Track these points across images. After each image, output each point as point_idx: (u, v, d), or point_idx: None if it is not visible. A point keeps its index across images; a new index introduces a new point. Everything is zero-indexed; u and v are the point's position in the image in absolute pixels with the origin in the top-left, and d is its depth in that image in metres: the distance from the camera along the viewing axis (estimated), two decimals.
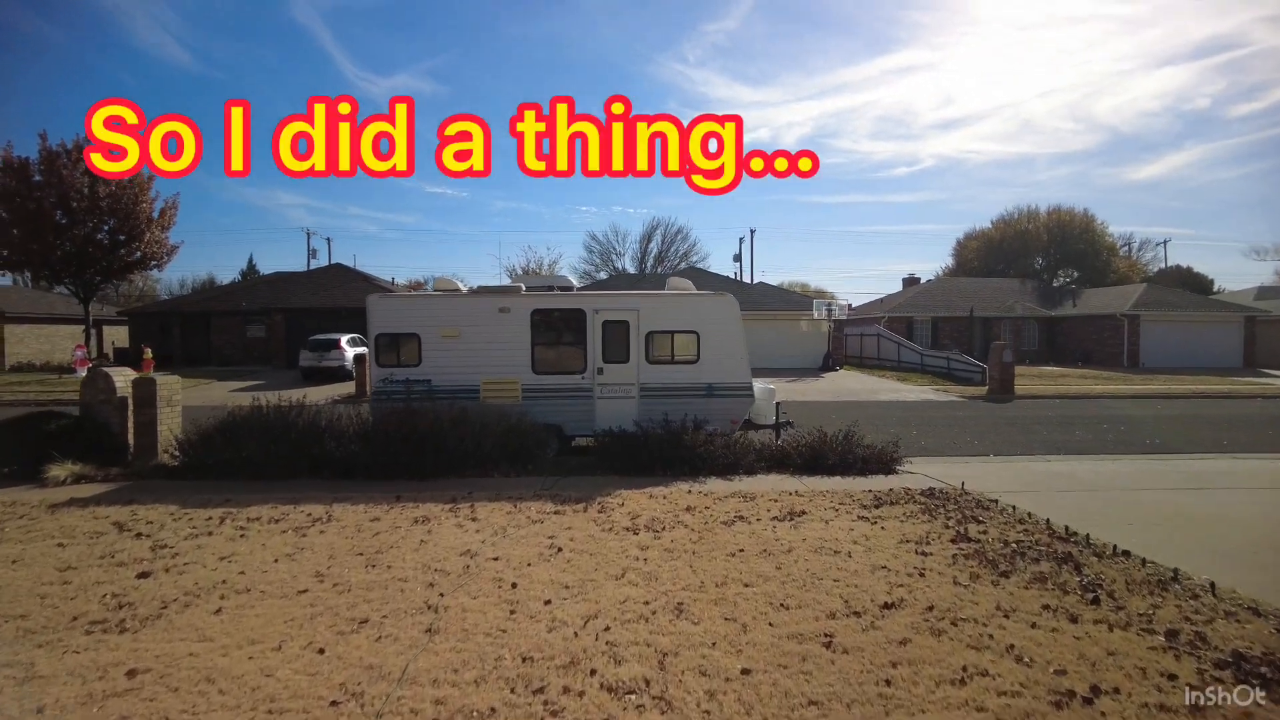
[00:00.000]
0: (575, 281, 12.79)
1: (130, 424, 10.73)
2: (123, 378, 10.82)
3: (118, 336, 42.66)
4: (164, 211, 34.46)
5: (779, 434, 12.61)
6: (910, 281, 50.99)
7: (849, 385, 26.37)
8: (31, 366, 34.78)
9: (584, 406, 11.65)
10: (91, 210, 31.35)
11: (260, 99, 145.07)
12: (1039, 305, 44.11)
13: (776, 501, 8.27)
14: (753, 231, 53.60)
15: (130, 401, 10.74)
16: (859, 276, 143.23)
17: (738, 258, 52.74)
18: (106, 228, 32.38)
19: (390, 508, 7.93)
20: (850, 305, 34.78)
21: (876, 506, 8.01)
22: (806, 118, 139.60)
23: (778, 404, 12.65)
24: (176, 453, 10.29)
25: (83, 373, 30.17)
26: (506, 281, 11.74)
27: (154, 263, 34.62)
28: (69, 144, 31.60)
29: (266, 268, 64.91)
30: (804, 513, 7.68)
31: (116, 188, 32.09)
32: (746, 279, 50.06)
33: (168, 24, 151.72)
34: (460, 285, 12.21)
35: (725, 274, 47.98)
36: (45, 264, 31.39)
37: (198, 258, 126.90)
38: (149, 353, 32.52)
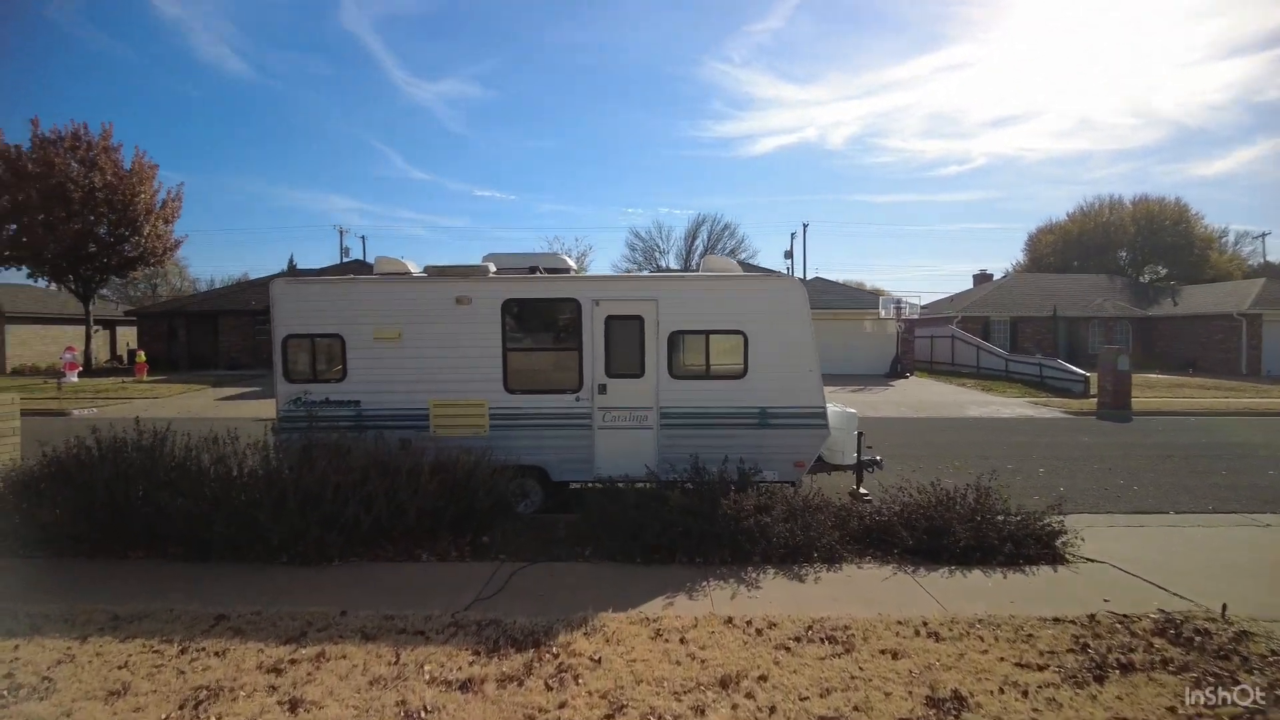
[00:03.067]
0: (572, 264, 9.07)
1: None
2: None
3: (132, 338, 40.63)
4: (166, 203, 32.03)
5: (861, 478, 8.76)
6: (982, 278, 46.01)
7: (926, 396, 22.17)
8: (35, 370, 32.67)
9: (579, 440, 8.00)
10: (87, 202, 28.96)
11: (314, 106, 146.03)
12: (1131, 304, 38.95)
13: (898, 653, 4.46)
14: (805, 225, 49.33)
15: None
16: (916, 276, 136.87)
17: (789, 254, 48.48)
18: (107, 221, 30.02)
19: (185, 648, 4.38)
20: (920, 304, 30.38)
21: (1098, 678, 4.10)
22: (854, 117, 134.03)
23: (859, 433, 8.80)
24: None
25: (73, 378, 27.91)
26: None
27: (154, 258, 32.17)
28: (63, 131, 29.31)
29: (306, 267, 62.91)
30: (963, 700, 3.86)
31: (114, 178, 29.72)
32: (799, 276, 45.85)
33: (227, 37, 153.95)
34: (412, 266, 8.67)
35: (776, 271, 43.88)
36: (40, 260, 29.12)
37: (247, 258, 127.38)
38: (142, 355, 29.94)
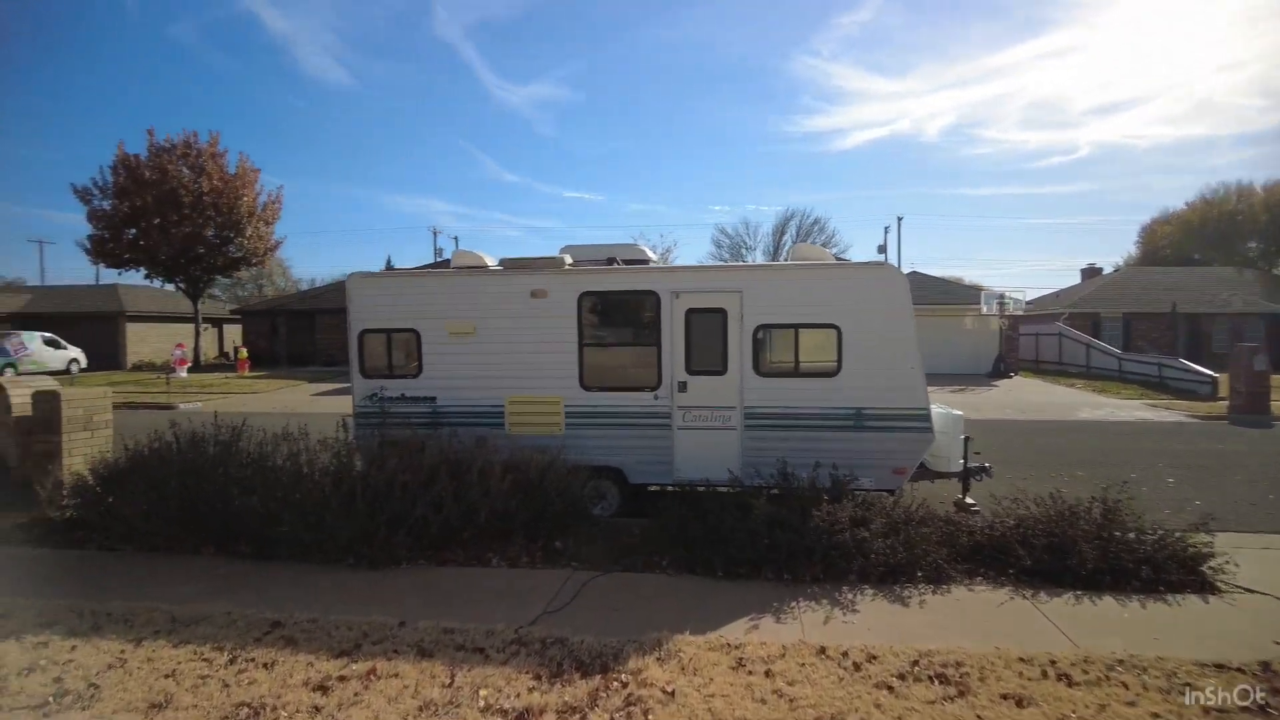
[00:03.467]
0: (652, 255, 8.63)
1: (30, 455, 7.71)
2: (23, 392, 7.80)
3: (238, 335, 42.87)
4: (267, 206, 33.54)
5: (967, 487, 7.98)
6: (1091, 272, 43.00)
7: (1032, 397, 20.67)
8: (151, 366, 34.85)
9: (657, 441, 7.57)
10: (196, 205, 30.61)
11: (411, 113, 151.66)
12: (1264, 298, 35.53)
13: (1024, 700, 3.81)
14: (900, 219, 47.30)
15: (30, 425, 7.71)
16: (1018, 272, 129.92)
17: (883, 249, 46.47)
18: (214, 224, 31.64)
19: (235, 657, 4.20)
20: (1025, 300, 28.44)
21: None
22: (949, 108, 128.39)
23: (966, 438, 8.00)
24: (69, 501, 7.07)
25: (182, 373, 29.55)
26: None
27: (255, 259, 33.74)
28: (175, 140, 31.07)
29: (401, 266, 64.96)
30: None
31: (220, 182, 31.31)
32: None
33: (330, 48, 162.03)
34: (489, 260, 8.43)
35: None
36: (155, 261, 30.98)
37: (349, 259, 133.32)
38: (244, 352, 31.45)
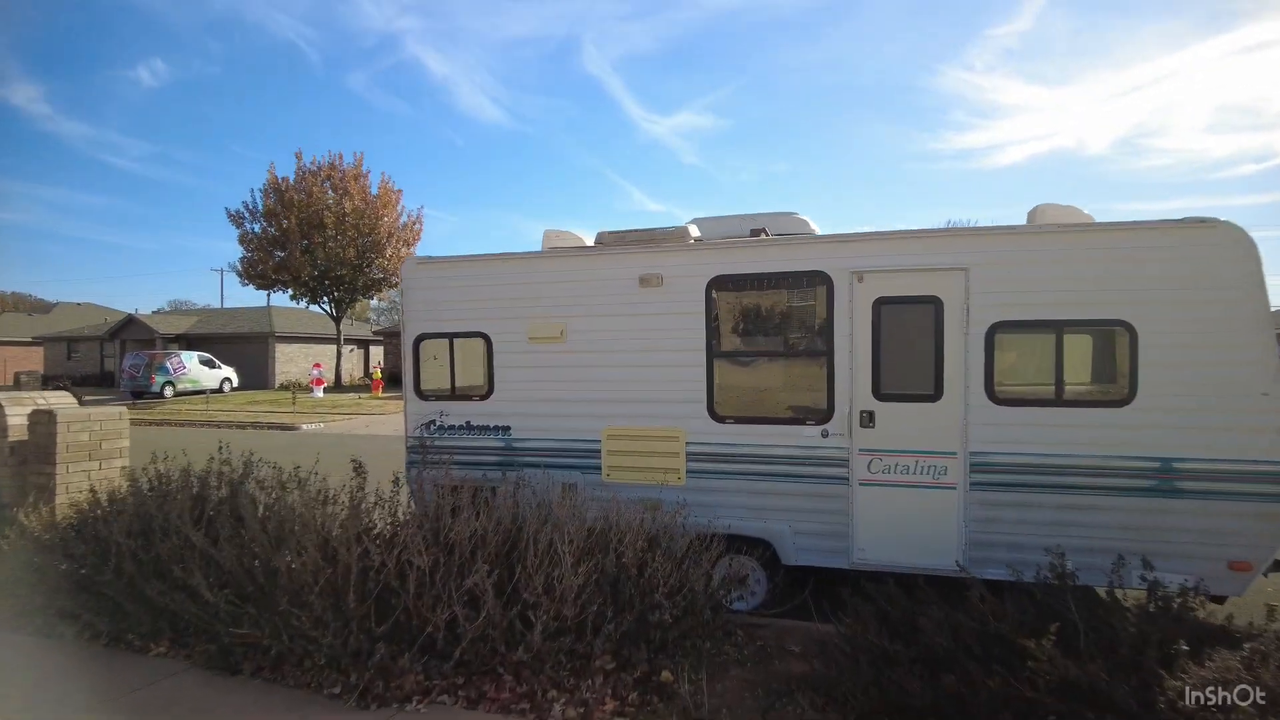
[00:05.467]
0: (816, 227, 5.99)
1: (27, 488, 6.22)
2: (20, 411, 6.34)
3: (383, 357, 43.78)
4: (407, 226, 33.68)
5: None
6: None
7: None
8: (298, 386, 35.83)
9: (825, 502, 4.96)
10: (339, 226, 31.06)
11: (559, 145, 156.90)
12: None
13: None
14: None
15: (26, 452, 6.23)
16: None
17: None
18: (356, 246, 32.03)
19: None
20: None
21: None
22: (1118, 116, 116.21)
23: None
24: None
25: (319, 393, 29.77)
26: None
27: (396, 279, 33.88)
28: (321, 161, 31.77)
29: None
30: None
31: (362, 202, 31.67)
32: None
33: (486, 88, 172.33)
34: (586, 239, 6.18)
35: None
36: (299, 282, 31.68)
37: None
38: (378, 372, 31.23)
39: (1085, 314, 4.56)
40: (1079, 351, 4.67)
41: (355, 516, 4.03)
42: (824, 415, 4.95)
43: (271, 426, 19.58)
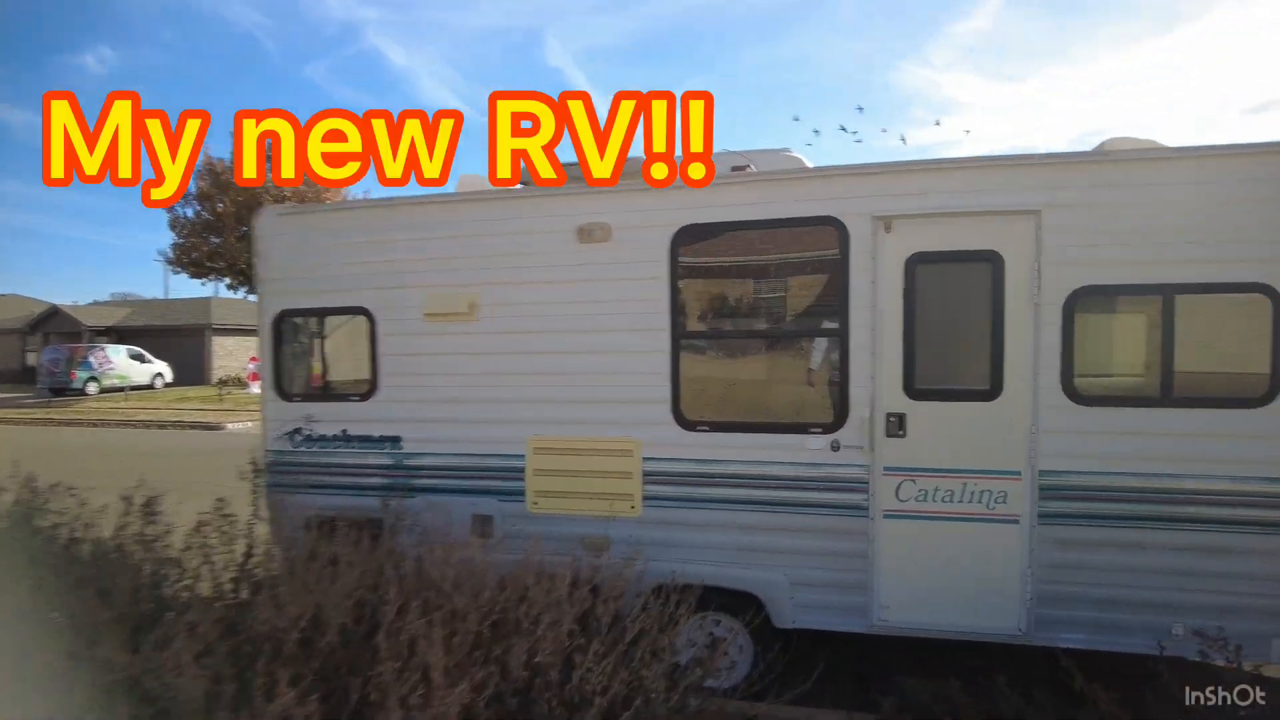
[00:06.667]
0: (806, 162, 4.49)
1: None
2: None
3: None
4: None
5: None
6: None
7: None
8: (237, 381, 33.60)
9: (835, 540, 3.53)
10: None
11: None
12: None
13: None
14: None
15: None
16: None
17: None
18: None
19: None
20: None
21: None
22: (1078, 113, 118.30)
23: None
24: None
25: (255, 388, 27.68)
26: None
27: None
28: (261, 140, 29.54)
29: None
30: None
31: (306, 187, 29.56)
32: None
33: (447, 79, 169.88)
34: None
35: None
36: (235, 270, 29.47)
37: None
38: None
39: (1210, 275, 3.19)
40: (1195, 327, 3.32)
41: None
42: (835, 420, 3.52)
43: (195, 426, 17.71)
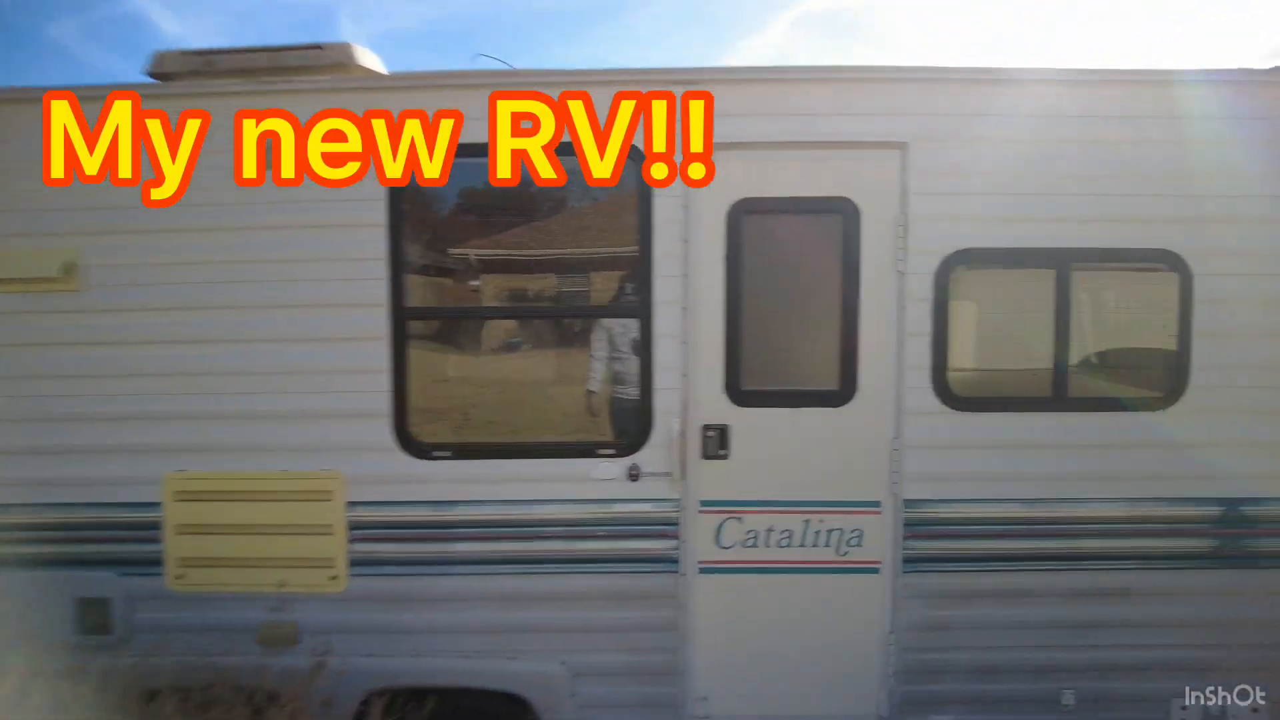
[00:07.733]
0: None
1: None
2: None
3: None
4: None
5: None
6: None
7: None
8: None
9: (636, 609, 2.45)
10: None
11: None
12: None
13: None
14: None
15: None
16: None
17: None
18: None
19: None
20: None
21: None
22: None
23: None
24: None
25: None
26: None
27: None
28: None
29: None
30: None
31: None
32: None
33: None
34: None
35: None
36: None
37: None
38: None
39: (1114, 240, 2.41)
40: (1101, 311, 2.56)
41: None
42: (633, 438, 2.44)
43: None
